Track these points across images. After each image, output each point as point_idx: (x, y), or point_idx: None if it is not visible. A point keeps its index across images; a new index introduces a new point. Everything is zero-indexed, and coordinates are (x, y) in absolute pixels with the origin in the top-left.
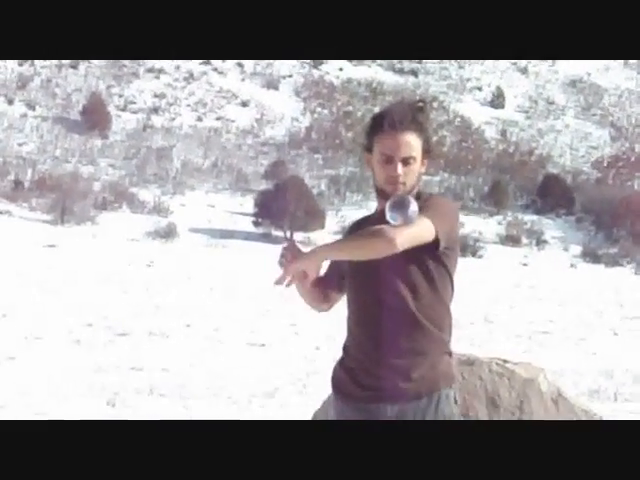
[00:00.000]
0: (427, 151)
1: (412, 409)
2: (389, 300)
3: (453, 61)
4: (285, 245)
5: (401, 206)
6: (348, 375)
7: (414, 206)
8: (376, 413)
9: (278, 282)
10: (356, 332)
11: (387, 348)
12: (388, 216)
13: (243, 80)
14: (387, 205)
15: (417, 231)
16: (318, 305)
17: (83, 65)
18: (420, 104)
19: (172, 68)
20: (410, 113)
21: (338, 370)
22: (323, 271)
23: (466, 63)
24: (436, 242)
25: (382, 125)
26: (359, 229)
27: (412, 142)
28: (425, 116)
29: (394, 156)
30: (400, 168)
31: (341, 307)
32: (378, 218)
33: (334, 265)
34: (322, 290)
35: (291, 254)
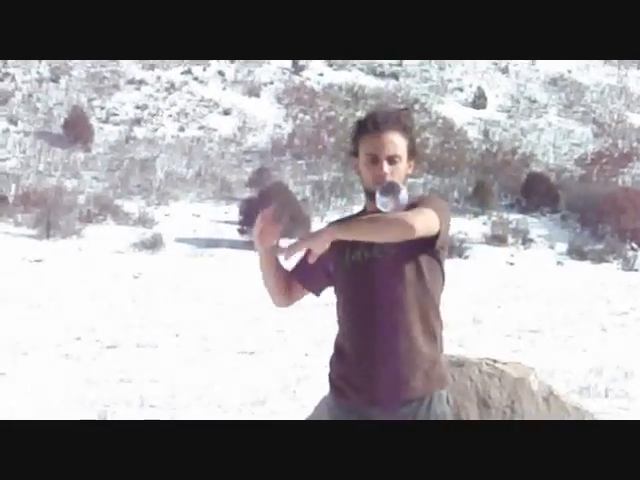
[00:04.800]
0: (412, 152)
1: (403, 411)
2: (385, 302)
3: (434, 63)
4: (262, 213)
5: (392, 191)
6: (343, 378)
7: (404, 192)
8: (369, 416)
9: (285, 254)
10: (350, 335)
11: (382, 352)
12: (379, 203)
13: (224, 89)
14: (377, 192)
15: (429, 220)
16: (279, 297)
17: (64, 79)
18: (405, 109)
19: (153, 79)
20: (394, 115)
21: (333, 373)
22: (291, 266)
23: (446, 64)
24: (435, 237)
25: (366, 127)
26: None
27: (396, 141)
28: (409, 118)
29: (379, 155)
30: (386, 167)
31: (329, 313)
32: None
33: (318, 265)
34: (287, 284)
35: (266, 223)
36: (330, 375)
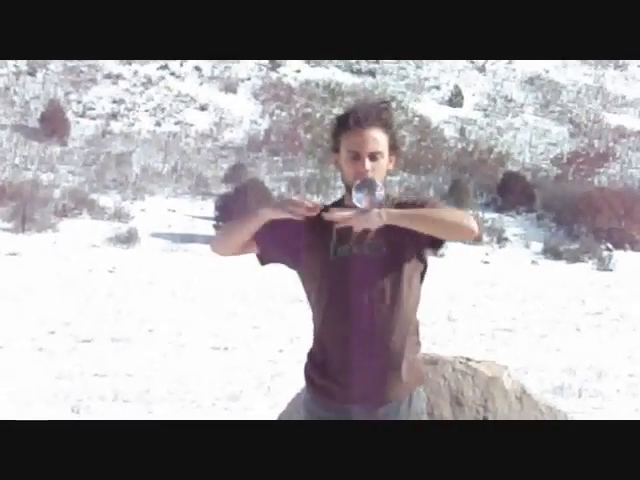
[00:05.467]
0: (394, 148)
1: (385, 409)
2: (369, 300)
3: (411, 61)
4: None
5: (368, 187)
6: (326, 377)
7: (381, 189)
8: (348, 413)
9: (328, 217)
10: (333, 333)
11: (363, 349)
12: (354, 198)
13: (201, 84)
14: (354, 187)
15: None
16: (231, 248)
17: (41, 72)
18: (384, 103)
19: (130, 73)
20: (375, 110)
21: (314, 371)
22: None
23: (424, 63)
24: (440, 243)
25: (348, 123)
26: (323, 216)
27: (378, 138)
28: (389, 114)
29: (361, 152)
30: (368, 163)
31: (305, 309)
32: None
33: (285, 238)
34: (249, 241)
35: (309, 211)
36: (309, 374)
